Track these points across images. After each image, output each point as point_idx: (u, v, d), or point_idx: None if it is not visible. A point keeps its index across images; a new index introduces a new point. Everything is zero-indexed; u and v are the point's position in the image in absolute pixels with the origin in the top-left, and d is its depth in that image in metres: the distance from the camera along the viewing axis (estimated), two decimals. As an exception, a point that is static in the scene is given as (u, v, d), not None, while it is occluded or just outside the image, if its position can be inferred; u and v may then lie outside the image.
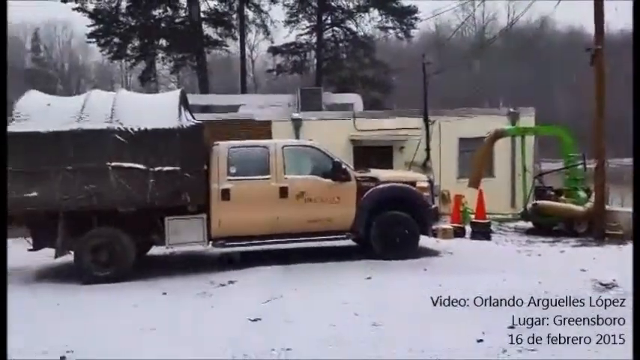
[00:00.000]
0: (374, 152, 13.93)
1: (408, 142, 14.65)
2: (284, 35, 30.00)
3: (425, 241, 8.44)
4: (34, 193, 6.90)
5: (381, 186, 7.89)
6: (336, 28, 29.29)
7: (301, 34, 29.21)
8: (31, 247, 7.55)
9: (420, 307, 5.11)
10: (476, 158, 12.10)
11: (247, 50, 35.95)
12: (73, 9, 21.93)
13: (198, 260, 8.57)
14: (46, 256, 7.57)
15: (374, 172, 8.25)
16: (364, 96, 21.63)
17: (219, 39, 26.20)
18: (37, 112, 7.27)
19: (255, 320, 5.00)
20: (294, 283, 6.46)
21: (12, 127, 7.04)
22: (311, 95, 17.95)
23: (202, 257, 8.82)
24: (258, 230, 7.70)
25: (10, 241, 10.05)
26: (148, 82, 26.43)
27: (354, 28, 28.67)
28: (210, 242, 7.69)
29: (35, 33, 57.13)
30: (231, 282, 6.77)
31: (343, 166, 7.89)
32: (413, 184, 8.12)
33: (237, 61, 31.40)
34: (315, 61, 29.41)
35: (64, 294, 6.45)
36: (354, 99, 19.33)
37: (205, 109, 18.97)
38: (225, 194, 7.50)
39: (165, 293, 6.31)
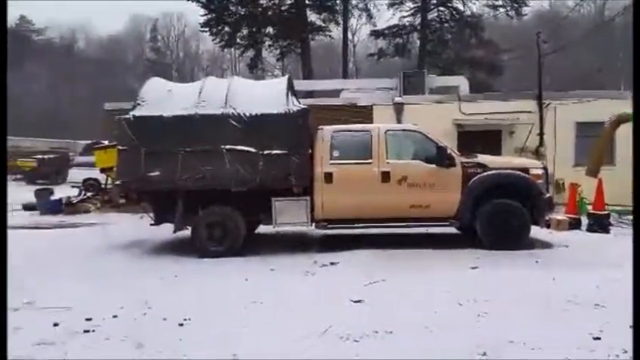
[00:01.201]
0: (481, 137, 13.34)
1: (519, 127, 13.85)
2: (386, 18, 29.63)
3: (537, 232, 7.99)
4: (157, 172, 7.53)
5: (489, 172, 7.59)
6: (441, 8, 28.33)
7: (404, 16, 28.66)
8: (153, 222, 8.26)
9: (531, 301, 4.88)
10: (596, 145, 11.14)
11: (349, 35, 35.98)
12: (188, 0, 23.36)
13: (302, 240, 8.87)
14: (167, 231, 8.25)
15: (481, 158, 7.93)
16: (470, 78, 20.75)
17: (323, 24, 26.52)
18: (159, 97, 7.91)
19: (357, 302, 5.09)
20: (395, 268, 6.46)
21: (137, 111, 7.74)
22: (414, 78, 17.60)
23: (306, 237, 9.12)
24: (360, 214, 7.78)
25: (133, 216, 11.18)
26: (255, 70, 27.51)
27: (461, 7, 27.49)
28: (313, 224, 7.92)
29: (154, 24, 61.71)
30: (333, 263, 6.92)
31: (448, 151, 7.69)
32: (525, 170, 7.70)
33: (338, 47, 31.61)
34: (418, 43, 28.70)
35: (181, 266, 7.01)
36: (460, 81, 18.61)
37: (308, 94, 19.41)
38: (328, 177, 7.66)
39: (272, 269, 6.62)
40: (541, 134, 13.79)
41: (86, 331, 4.32)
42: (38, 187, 16.53)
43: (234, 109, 7.60)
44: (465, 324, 4.37)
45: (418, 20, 28.16)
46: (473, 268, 6.43)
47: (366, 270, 6.33)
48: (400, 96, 15.03)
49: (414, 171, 7.65)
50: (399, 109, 13.99)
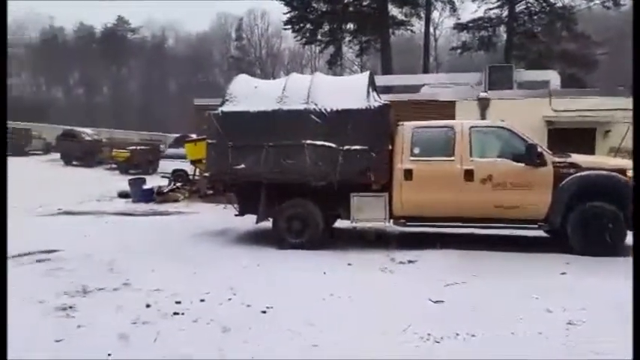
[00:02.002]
0: (572, 136, 12.57)
1: (615, 126, 12.88)
2: (471, 10, 28.62)
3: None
4: (242, 165, 7.82)
5: (583, 173, 7.13)
6: (530, 0, 26.89)
7: (491, 8, 27.54)
8: (237, 213, 8.60)
9: (626, 313, 4.53)
10: None
11: (431, 29, 35.17)
12: (273, -2, 23.94)
13: (379, 237, 8.84)
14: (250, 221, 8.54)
15: (574, 158, 7.45)
16: (561, 73, 19.58)
17: (405, 19, 26.14)
18: (246, 93, 8.20)
19: (437, 302, 5.00)
20: (477, 270, 6.25)
21: (226, 107, 8.07)
22: (500, 73, 16.91)
23: (383, 234, 9.08)
24: (440, 212, 7.60)
25: (217, 206, 11.67)
26: (334, 66, 27.69)
27: (552, -1, 25.97)
28: (391, 220, 7.86)
29: (239, 23, 63.87)
30: (411, 261, 6.83)
31: (538, 150, 7.30)
32: (622, 172, 7.13)
33: (419, 41, 31.04)
34: (505, 36, 27.49)
35: (262, 255, 7.23)
36: (550, 76, 17.64)
37: (388, 89, 19.21)
38: (408, 174, 7.55)
39: (350, 264, 6.66)
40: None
41: (175, 313, 4.59)
42: (131, 176, 17.69)
43: (315, 105, 7.71)
44: (554, 332, 4.15)
45: (505, 12, 26.96)
46: (562, 273, 6.09)
47: (445, 270, 6.20)
48: (485, 91, 14.49)
49: (500, 170, 7.35)
50: (484, 104, 13.50)
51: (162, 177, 17.94)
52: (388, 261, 6.87)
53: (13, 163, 26.92)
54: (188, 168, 15.03)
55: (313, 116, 7.61)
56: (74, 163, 28.02)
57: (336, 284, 5.57)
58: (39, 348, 3.76)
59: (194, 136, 13.33)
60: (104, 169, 26.35)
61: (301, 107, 7.69)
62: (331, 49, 26.82)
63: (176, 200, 14.25)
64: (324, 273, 6.17)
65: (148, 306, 4.77)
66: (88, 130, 32.16)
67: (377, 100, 7.86)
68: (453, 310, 4.76)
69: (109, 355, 3.65)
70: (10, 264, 6.48)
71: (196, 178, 13.24)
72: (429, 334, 4.08)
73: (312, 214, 7.80)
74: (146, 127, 44.84)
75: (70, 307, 4.71)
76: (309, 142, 7.58)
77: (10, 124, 36.64)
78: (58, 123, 40.11)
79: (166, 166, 19.03)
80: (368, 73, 8.45)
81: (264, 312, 4.66)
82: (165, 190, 14.81)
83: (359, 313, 4.68)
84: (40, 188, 16.50)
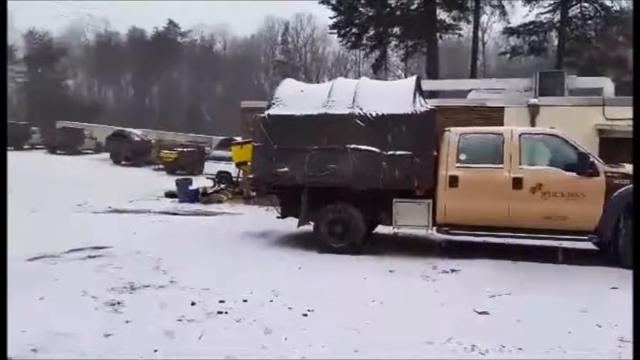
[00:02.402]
0: (626, 145, 11.96)
1: (674, 135, 12.22)
2: (522, 15, 27.90)
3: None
4: (285, 169, 7.88)
5: (638, 184, 6.81)
6: (585, 4, 25.99)
7: (543, 12, 26.77)
8: (279, 215, 8.69)
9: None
10: None
11: (479, 33, 34.50)
12: (320, 2, 24.07)
13: (420, 244, 8.73)
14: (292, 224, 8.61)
15: (628, 168, 7.14)
16: (616, 80, 18.77)
17: (453, 22, 25.76)
18: (292, 97, 8.28)
19: (482, 313, 4.89)
20: (523, 281, 6.08)
21: (272, 110, 8.18)
22: (551, 79, 16.37)
23: (424, 241, 8.96)
24: (486, 221, 7.41)
25: (260, 208, 11.82)
26: (379, 70, 27.58)
27: (608, 3, 24.97)
28: (434, 228, 7.74)
29: (285, 26, 64.61)
30: (454, 270, 6.71)
31: (591, 159, 7.04)
32: (680, 184, 6.77)
33: (465, 46, 30.50)
34: (557, 41, 26.64)
35: (303, 258, 7.26)
36: (604, 83, 16.91)
37: (433, 94, 18.97)
38: (453, 181, 7.41)
39: (391, 271, 6.61)
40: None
41: (220, 312, 4.69)
42: (177, 177, 18.17)
43: (360, 109, 7.70)
44: (605, 349, 3.99)
45: (557, 17, 26.13)
46: (613, 288, 5.83)
47: (490, 281, 6.05)
48: (535, 97, 14.06)
49: (550, 178, 7.12)
50: (533, 111, 13.11)
51: (207, 178, 18.35)
52: (430, 269, 6.77)
53: (67, 162, 28.29)
54: (232, 170, 15.31)
55: (358, 121, 7.61)
56: (123, 162, 29.07)
57: (378, 290, 5.54)
58: (89, 342, 3.90)
59: (239, 138, 13.59)
60: (152, 169, 27.19)
61: (346, 111, 7.70)
62: (376, 53, 26.73)
63: (220, 201, 14.54)
64: (365, 278, 6.14)
65: (193, 304, 4.88)
66: (138, 131, 33.32)
67: (423, 105, 7.77)
68: (498, 321, 4.65)
69: (155, 351, 3.76)
70: (65, 259, 6.79)
71: (240, 180, 13.47)
72: (473, 346, 3.99)
73: (354, 219, 7.78)
74: (193, 129, 46.02)
75: (119, 303, 4.88)
76: (353, 146, 7.57)
77: (65, 123, 38.54)
78: (109, 123, 41.74)
79: (211, 167, 19.45)
80: (415, 77, 8.39)
81: (305, 315, 4.69)
82: (209, 191, 15.14)
83: (401, 320, 4.63)
84: (91, 186, 17.19)
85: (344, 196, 7.82)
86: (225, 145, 20.52)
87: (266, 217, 10.60)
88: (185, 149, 27.26)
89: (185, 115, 56.45)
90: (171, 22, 65.09)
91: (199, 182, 16.52)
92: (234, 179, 15.18)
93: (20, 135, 35.12)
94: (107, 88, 66.23)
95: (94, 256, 6.94)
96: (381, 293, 5.41)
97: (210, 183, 16.93)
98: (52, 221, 10.17)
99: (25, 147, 34.82)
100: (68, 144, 33.50)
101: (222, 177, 17.25)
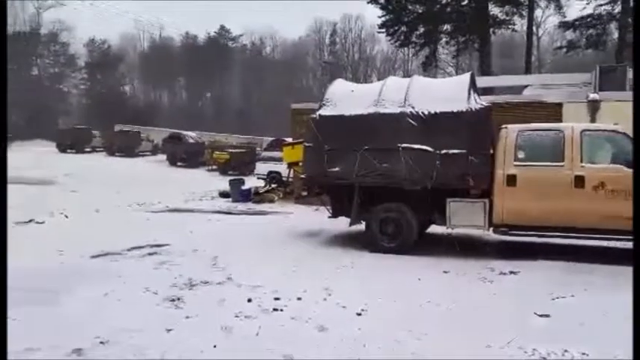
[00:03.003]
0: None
1: None
2: (579, 8, 26.71)
3: None
4: (337, 168, 7.89)
5: None
6: (650, -8, 24.49)
7: (601, 4, 25.52)
8: (330, 215, 8.71)
9: None
10: None
11: (533, 27, 33.31)
12: (368, 2, 23.95)
13: (476, 244, 8.52)
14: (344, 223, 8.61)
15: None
16: (686, 73, 17.58)
17: (506, 17, 24.99)
18: (343, 97, 8.28)
19: (543, 316, 4.72)
20: (585, 284, 5.82)
21: (323, 111, 8.21)
22: (612, 73, 15.56)
23: (479, 242, 8.74)
24: (546, 221, 7.14)
25: (309, 208, 11.89)
26: (429, 68, 27.13)
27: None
28: (491, 228, 7.53)
29: (333, 28, 64.79)
30: (512, 272, 6.50)
31: (658, 157, 6.64)
32: None
33: (518, 41, 29.53)
34: (617, 34, 25.33)
35: (355, 258, 7.24)
36: (670, 76, 15.91)
37: (487, 91, 18.44)
38: (511, 180, 7.19)
39: (446, 272, 6.48)
40: None
41: (275, 310, 4.75)
42: (230, 177, 18.56)
43: (412, 108, 7.59)
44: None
45: (618, 9, 24.84)
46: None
47: (550, 282, 5.83)
48: (596, 92, 13.41)
49: (614, 177, 6.77)
50: (594, 107, 12.50)
51: (258, 178, 18.64)
52: (487, 270, 6.59)
53: (126, 163, 29.53)
54: (282, 170, 15.48)
55: (410, 119, 7.51)
56: (178, 164, 30.04)
57: (433, 291, 5.45)
58: (152, 336, 4.04)
59: (289, 139, 13.72)
60: (205, 170, 27.94)
61: (398, 110, 7.62)
62: (426, 50, 26.31)
63: (271, 201, 14.73)
64: (419, 279, 6.06)
65: (249, 300, 4.98)
66: (192, 133, 34.30)
67: (478, 102, 7.58)
68: (561, 325, 4.48)
69: (214, 346, 3.85)
70: (126, 256, 7.08)
71: (290, 180, 13.61)
72: (534, 349, 3.86)
73: (406, 219, 7.69)
74: (244, 131, 46.88)
75: (178, 299, 5.03)
76: (404, 145, 7.48)
77: (123, 127, 40.31)
78: (164, 126, 43.22)
79: (262, 168, 19.74)
80: (469, 74, 8.19)
81: (359, 314, 4.68)
82: (261, 191, 15.37)
83: (459, 323, 4.54)
84: (149, 187, 17.84)
85: (396, 195, 7.74)
86: (275, 145, 20.77)
87: (316, 217, 10.66)
88: (237, 150, 27.83)
89: (236, 116, 57.62)
90: (222, 27, 66.67)
91: (250, 182, 16.81)
92: (285, 179, 15.35)
93: (82, 138, 37.06)
94: (162, 92, 68.58)
95: (154, 254, 7.20)
96: (437, 294, 5.33)
97: (261, 183, 17.19)
98: (114, 220, 10.64)
99: (87, 150, 36.66)
100: (126, 146, 34.99)
101: (272, 177, 17.47)
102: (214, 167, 26.98)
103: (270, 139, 27.51)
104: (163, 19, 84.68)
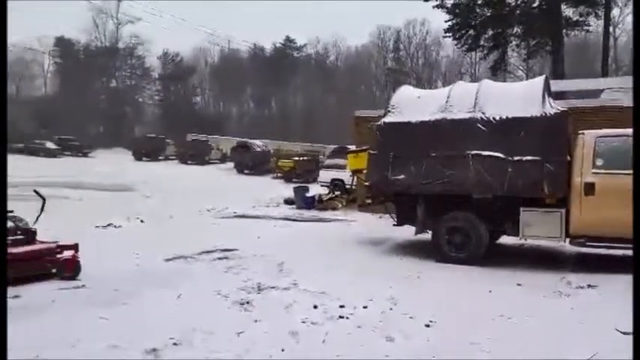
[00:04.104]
0: None
1: None
2: (664, 4, 24.88)
3: None
4: (402, 176, 7.78)
5: None
6: None
7: (691, -1, 23.64)
8: (395, 223, 8.59)
9: None
10: None
11: (610, 28, 31.43)
12: (434, 7, 23.56)
13: (550, 256, 8.10)
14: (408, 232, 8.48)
15: None
16: None
17: (580, 18, 23.76)
18: (409, 104, 8.19)
19: (625, 334, 4.39)
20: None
21: (388, 118, 8.15)
22: None
23: (554, 254, 8.31)
24: (625, 232, 6.65)
25: (373, 215, 11.81)
26: (498, 72, 26.25)
27: None
28: (568, 239, 7.15)
29: (397, 34, 64.39)
30: (590, 286, 6.12)
31: None
32: None
33: (593, 42, 27.91)
34: None
35: (422, 267, 7.10)
36: None
37: (560, 95, 17.57)
38: (590, 188, 6.80)
39: (519, 284, 6.20)
40: None
41: (341, 317, 4.74)
42: (294, 184, 18.83)
43: (482, 113, 7.37)
44: None
45: None
46: None
47: (631, 297, 5.42)
48: (684, 95, 12.41)
49: None
50: (681, 110, 11.58)
51: (322, 186, 18.78)
52: (563, 284, 6.25)
53: (197, 171, 30.78)
54: (345, 177, 15.49)
55: (480, 125, 7.29)
56: (246, 171, 30.93)
57: (505, 305, 5.22)
58: (224, 339, 4.15)
59: (353, 147, 13.72)
60: (271, 177, 28.56)
61: (467, 116, 7.43)
62: (494, 54, 25.49)
63: (335, 208, 14.78)
64: (490, 291, 5.83)
65: (315, 307, 5.00)
66: (258, 142, 35.21)
67: (553, 107, 7.24)
68: (647, 344, 4.14)
69: (282, 350, 3.90)
70: (197, 260, 7.34)
71: (353, 187, 13.59)
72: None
73: (475, 228, 7.44)
74: (308, 139, 47.51)
75: (247, 303, 5.14)
76: (474, 152, 7.27)
77: (194, 136, 42.09)
78: (233, 135, 44.64)
79: (325, 175, 19.88)
80: (543, 77, 7.86)
81: (427, 325, 4.57)
82: (325, 198, 15.47)
83: (533, 338, 4.32)
84: (218, 193, 18.46)
85: (465, 204, 7.52)
86: (338, 153, 20.87)
87: (380, 225, 10.58)
88: (301, 158, 28.23)
89: (301, 125, 58.49)
90: (287, 38, 68.05)
91: (314, 189, 16.96)
92: (348, 187, 15.36)
93: (157, 147, 39.08)
94: (230, 101, 70.87)
95: (223, 258, 7.41)
96: (509, 308, 5.11)
97: (324, 190, 17.30)
98: (186, 225, 11.07)
99: (160, 158, 38.56)
100: (197, 155, 36.54)
101: (335, 184, 17.54)
102: (279, 175, 27.51)
103: (334, 146, 27.72)
104: (232, 34, 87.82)
